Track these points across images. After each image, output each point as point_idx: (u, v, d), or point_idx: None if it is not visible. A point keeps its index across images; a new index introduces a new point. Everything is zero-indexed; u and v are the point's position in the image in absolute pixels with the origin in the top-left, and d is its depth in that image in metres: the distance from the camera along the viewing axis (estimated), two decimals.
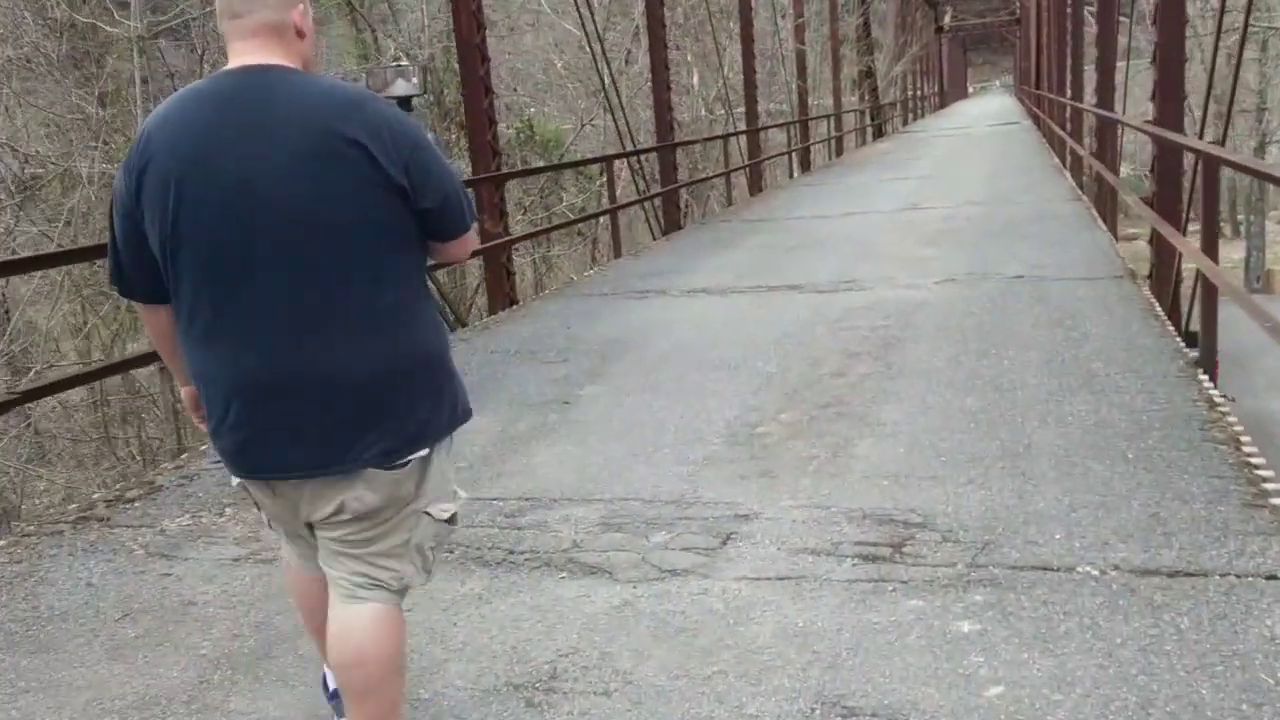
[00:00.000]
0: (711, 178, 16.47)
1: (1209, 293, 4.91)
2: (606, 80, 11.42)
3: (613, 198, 10.54)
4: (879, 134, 33.47)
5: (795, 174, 21.19)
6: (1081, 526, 3.19)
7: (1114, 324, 5.87)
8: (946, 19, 62.93)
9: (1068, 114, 17.44)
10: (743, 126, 17.55)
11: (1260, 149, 31.04)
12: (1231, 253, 37.07)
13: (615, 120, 11.72)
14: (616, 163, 13.14)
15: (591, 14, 11.20)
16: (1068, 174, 15.17)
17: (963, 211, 11.66)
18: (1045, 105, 25.36)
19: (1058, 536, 3.12)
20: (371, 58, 15.13)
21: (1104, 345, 5.41)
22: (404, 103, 2.90)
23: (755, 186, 17.33)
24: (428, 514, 2.13)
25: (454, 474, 2.26)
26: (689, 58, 24.06)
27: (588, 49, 13.38)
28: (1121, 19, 14.27)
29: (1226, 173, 7.73)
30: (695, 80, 25.02)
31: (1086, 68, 16.94)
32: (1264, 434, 8.60)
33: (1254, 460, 3.67)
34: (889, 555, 3.09)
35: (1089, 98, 14.48)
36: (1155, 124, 7.24)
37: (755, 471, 3.93)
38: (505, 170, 9.26)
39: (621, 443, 4.37)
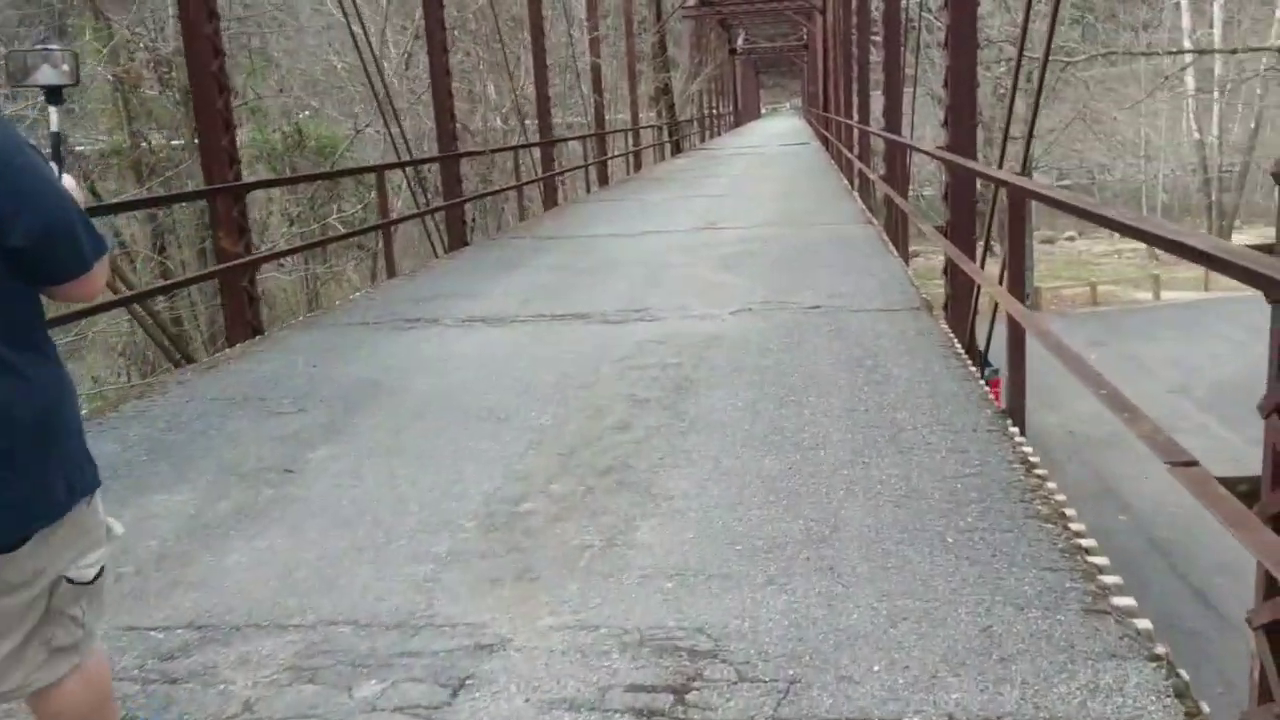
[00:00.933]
0: (498, 191, 15.65)
1: (1016, 337, 4.50)
2: (378, 84, 10.42)
3: (384, 211, 9.56)
4: (677, 150, 33.52)
5: (593, 189, 20.64)
6: (904, 650, 2.57)
7: (916, 364, 5.44)
8: (739, 41, 64.42)
9: (855, 136, 17.64)
10: (537, 138, 16.84)
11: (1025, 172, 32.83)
12: (996, 268, 39.28)
13: (388, 126, 10.73)
14: (399, 173, 12.16)
15: (358, 12, 10.19)
16: (857, 196, 15.21)
17: (758, 232, 11.31)
18: (833, 127, 25.90)
19: (876, 669, 2.49)
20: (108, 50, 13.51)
21: (908, 390, 4.94)
22: (52, 94, 2.08)
23: (550, 201, 16.63)
24: (67, 579, 1.86)
25: (99, 517, 1.95)
26: (481, 65, 23.21)
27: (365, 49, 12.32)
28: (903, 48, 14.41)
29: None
30: (491, 90, 24.16)
31: (874, 93, 17.16)
32: (1044, 450, 8.61)
33: (1084, 543, 3.19)
34: (669, 707, 2.37)
35: (876, 122, 14.55)
36: (948, 149, 6.99)
37: (511, 572, 3.15)
38: (251, 179, 8.13)
39: (346, 532, 3.50)
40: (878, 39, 19.13)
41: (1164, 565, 11.41)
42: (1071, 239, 47.91)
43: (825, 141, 30.33)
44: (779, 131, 50.26)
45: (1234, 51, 33.25)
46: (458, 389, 5.46)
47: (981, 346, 7.00)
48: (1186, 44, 35.60)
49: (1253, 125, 40.38)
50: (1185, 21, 38.89)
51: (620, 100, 28.96)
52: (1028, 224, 34.12)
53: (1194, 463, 2.59)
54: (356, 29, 9.94)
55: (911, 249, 9.93)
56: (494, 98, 23.90)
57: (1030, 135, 6.17)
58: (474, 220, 15.23)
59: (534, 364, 5.92)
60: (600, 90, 20.99)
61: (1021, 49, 8.63)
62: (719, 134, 51.77)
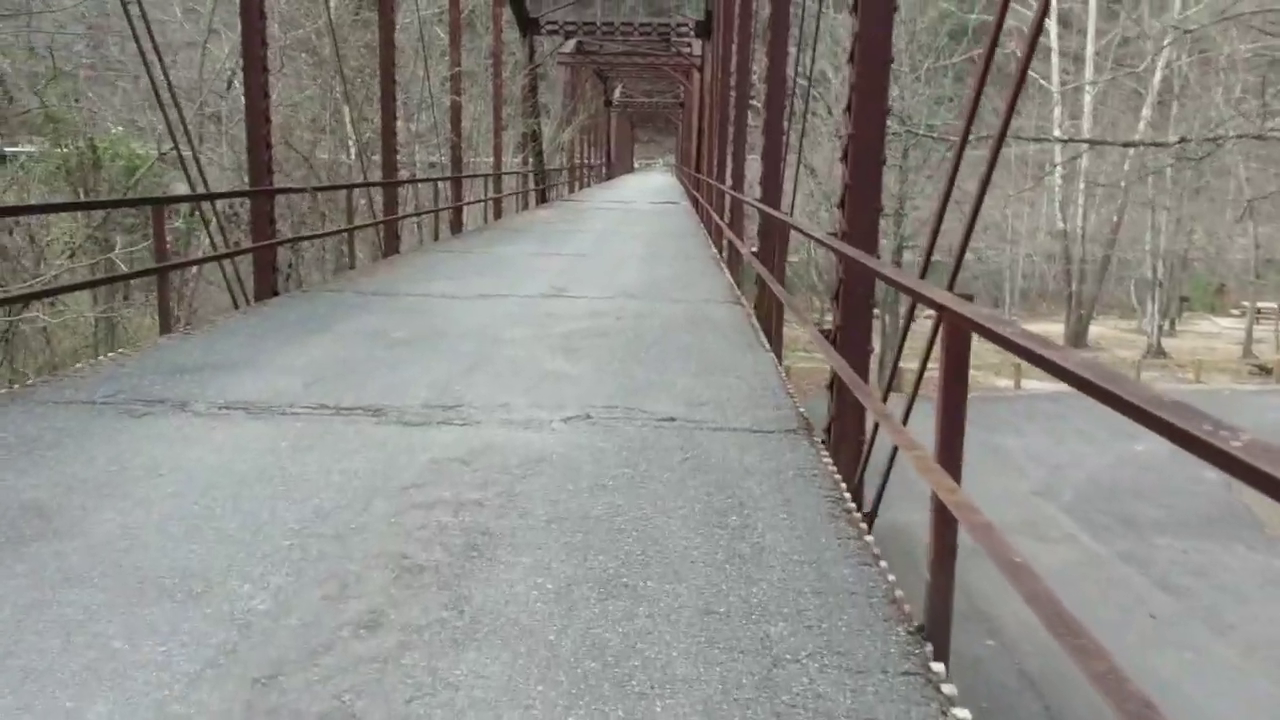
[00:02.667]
0: (317, 236, 13.85)
1: (942, 551, 3.18)
2: (172, 113, 8.69)
3: (160, 253, 7.78)
4: (542, 199, 32.19)
5: (443, 235, 19.04)
6: None
7: (796, 530, 4.09)
8: (616, 93, 64.00)
9: (728, 203, 16.64)
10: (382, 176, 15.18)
11: (898, 252, 32.81)
12: (877, 345, 39.23)
13: (178, 149, 8.98)
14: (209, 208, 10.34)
15: (144, 14, 8.43)
16: (725, 268, 14.08)
17: (614, 305, 9.96)
18: (704, 189, 25.03)
19: None
20: None
21: (786, 580, 3.58)
22: None
23: (389, 248, 14.95)
24: None
25: None
26: (336, 93, 21.41)
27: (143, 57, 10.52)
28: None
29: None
30: (347, 121, 22.35)
31: (750, 157, 16.19)
32: (902, 549, 7.43)
33: None
34: None
35: (751, 189, 13.48)
36: (844, 237, 5.77)
37: None
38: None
39: None
40: (755, 103, 18.31)
41: (1038, 708, 10.42)
42: (930, 317, 48.58)
43: (696, 203, 29.52)
44: (650, 187, 49.60)
45: (1098, 144, 34.12)
46: (153, 531, 3.84)
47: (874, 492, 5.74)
48: (1056, 133, 36.41)
49: (1114, 218, 41.68)
50: (1055, 113, 39.98)
51: (486, 142, 27.51)
52: (895, 303, 33.84)
53: None
54: (142, 29, 8.18)
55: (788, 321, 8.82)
56: (348, 128, 22.11)
57: (938, 223, 4.98)
58: (290, 267, 13.47)
59: (282, 489, 4.34)
60: (458, 130, 19.48)
61: (967, 130, 7.62)
62: (588, 185, 50.80)
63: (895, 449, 5.13)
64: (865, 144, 5.63)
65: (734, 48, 18.94)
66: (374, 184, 14.36)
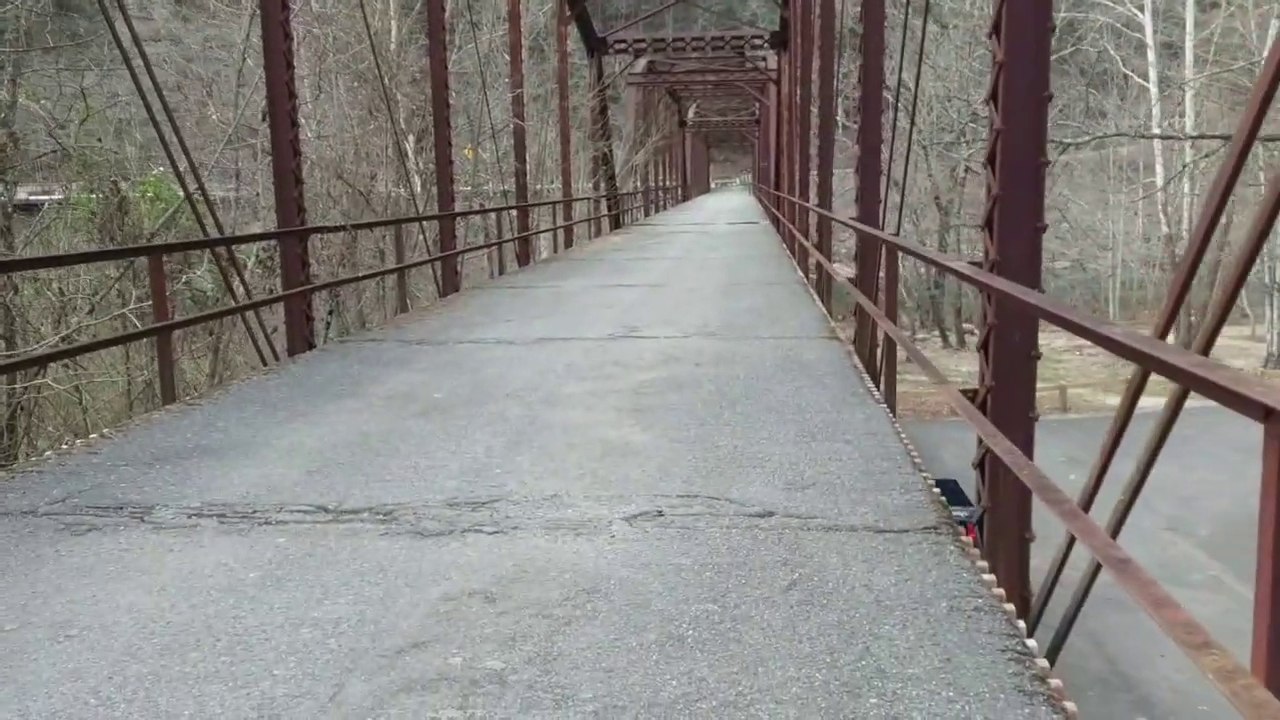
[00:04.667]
0: (356, 279, 12.73)
1: None
2: (166, 128, 7.63)
3: (160, 310, 6.66)
4: (616, 224, 31.07)
5: (509, 268, 17.94)
6: None
7: (959, 700, 2.70)
8: (690, 113, 62.95)
9: (812, 221, 15.23)
10: (451, 205, 14.10)
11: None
12: (960, 364, 37.24)
13: (183, 185, 7.91)
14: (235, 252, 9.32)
15: (136, 41, 7.36)
16: (814, 294, 12.64)
17: (691, 347, 8.63)
18: (785, 207, 23.62)
19: None
20: None
21: None
22: None
23: (448, 285, 13.85)
24: None
25: None
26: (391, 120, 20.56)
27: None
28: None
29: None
30: (410, 151, 21.49)
31: (843, 171, 14.76)
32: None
33: None
34: None
35: (843, 206, 12.05)
36: (994, 269, 4.33)
37: None
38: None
39: None
40: (841, 118, 16.91)
41: None
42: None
43: (776, 222, 28.09)
44: (728, 208, 48.27)
45: (1198, 138, 31.74)
46: None
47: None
48: (1156, 131, 34.11)
49: (1224, 219, 38.98)
50: (1155, 111, 37.59)
51: (558, 168, 26.48)
52: None
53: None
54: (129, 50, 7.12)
55: (907, 378, 7.35)
56: (410, 159, 21.20)
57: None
58: (331, 314, 12.45)
59: (224, 663, 3.08)
60: (523, 156, 18.39)
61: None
62: (664, 208, 49.70)
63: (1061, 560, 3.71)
64: (1019, 141, 4.22)
65: (815, 57, 17.56)
66: (421, 218, 13.29)
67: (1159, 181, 38.57)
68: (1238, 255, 3.33)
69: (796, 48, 21.49)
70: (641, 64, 36.62)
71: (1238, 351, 41.91)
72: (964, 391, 4.32)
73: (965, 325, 46.39)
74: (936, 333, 45.61)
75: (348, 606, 3.47)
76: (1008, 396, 4.45)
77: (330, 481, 4.93)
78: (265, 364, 8.86)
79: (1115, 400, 29.80)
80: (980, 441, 4.71)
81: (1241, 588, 15.33)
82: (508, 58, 21.77)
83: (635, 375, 7.50)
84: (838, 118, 15.87)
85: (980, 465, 4.67)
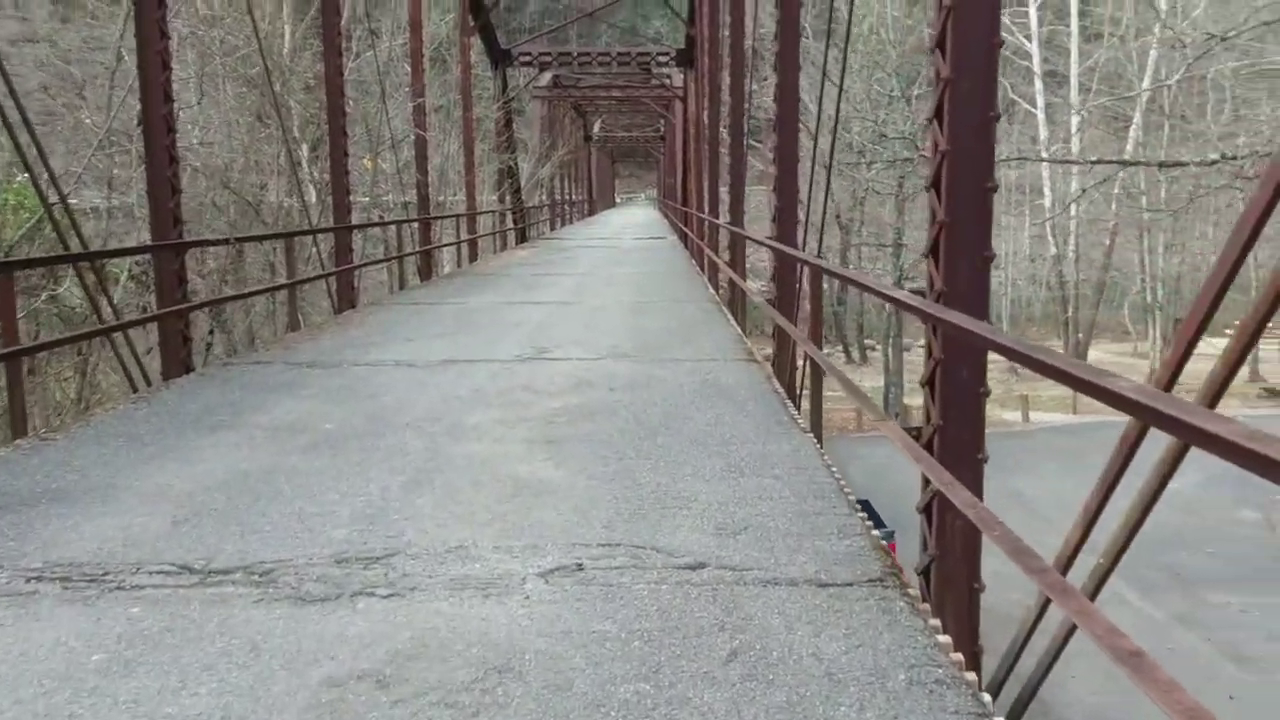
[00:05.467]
0: (240, 297, 11.91)
1: None
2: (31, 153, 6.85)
3: (8, 334, 5.91)
4: (522, 238, 30.47)
5: (411, 283, 17.25)
6: None
7: None
8: (596, 128, 62.66)
9: (723, 240, 14.93)
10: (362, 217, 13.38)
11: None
12: (866, 380, 37.50)
13: (41, 196, 7.13)
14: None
15: None
16: (728, 315, 12.30)
17: (604, 370, 8.17)
18: (694, 224, 23.37)
19: None
20: None
21: None
22: None
23: (345, 300, 13.14)
24: None
25: None
26: (282, 128, 19.66)
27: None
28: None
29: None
30: (304, 160, 20.59)
31: (751, 188, 14.49)
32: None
33: None
34: None
35: (756, 224, 11.73)
36: (941, 299, 3.96)
37: None
38: None
39: None
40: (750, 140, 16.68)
41: None
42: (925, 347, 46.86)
43: (684, 238, 27.86)
44: (634, 223, 48.02)
45: (1084, 163, 32.61)
46: None
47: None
48: (1044, 155, 34.93)
49: (1107, 241, 40.21)
50: (1042, 134, 38.56)
51: (462, 180, 25.76)
52: (897, 335, 32.30)
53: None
54: None
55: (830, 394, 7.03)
56: (305, 168, 20.28)
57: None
58: (212, 334, 11.65)
59: None
60: (424, 168, 17.73)
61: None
62: (570, 222, 49.23)
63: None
64: (966, 163, 3.87)
65: (725, 75, 17.34)
66: (314, 230, 12.56)
67: (1047, 204, 39.60)
68: (1256, 300, 3.04)
69: (703, 66, 21.28)
70: (546, 77, 36.15)
71: (1126, 368, 43.25)
72: (910, 430, 3.94)
73: (867, 341, 46.96)
74: (840, 348, 46.05)
75: (209, 699, 2.90)
76: (955, 436, 4.10)
77: (199, 533, 4.32)
78: (135, 390, 8.10)
79: (1012, 415, 30.30)
80: (926, 484, 4.34)
81: (1142, 604, 15.49)
82: (408, 67, 21.07)
83: (546, 402, 7.00)
84: (745, 136, 15.61)
85: (927, 510, 4.30)
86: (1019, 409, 29.73)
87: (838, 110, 9.36)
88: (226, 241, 10.29)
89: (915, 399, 30.93)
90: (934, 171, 4.04)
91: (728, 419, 6.45)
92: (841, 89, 7.62)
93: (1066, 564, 3.89)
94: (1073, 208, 35.47)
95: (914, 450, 3.63)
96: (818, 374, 6.20)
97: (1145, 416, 1.84)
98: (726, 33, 14.89)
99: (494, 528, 4.35)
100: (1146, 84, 33.90)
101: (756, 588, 3.66)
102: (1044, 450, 24.70)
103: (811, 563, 3.89)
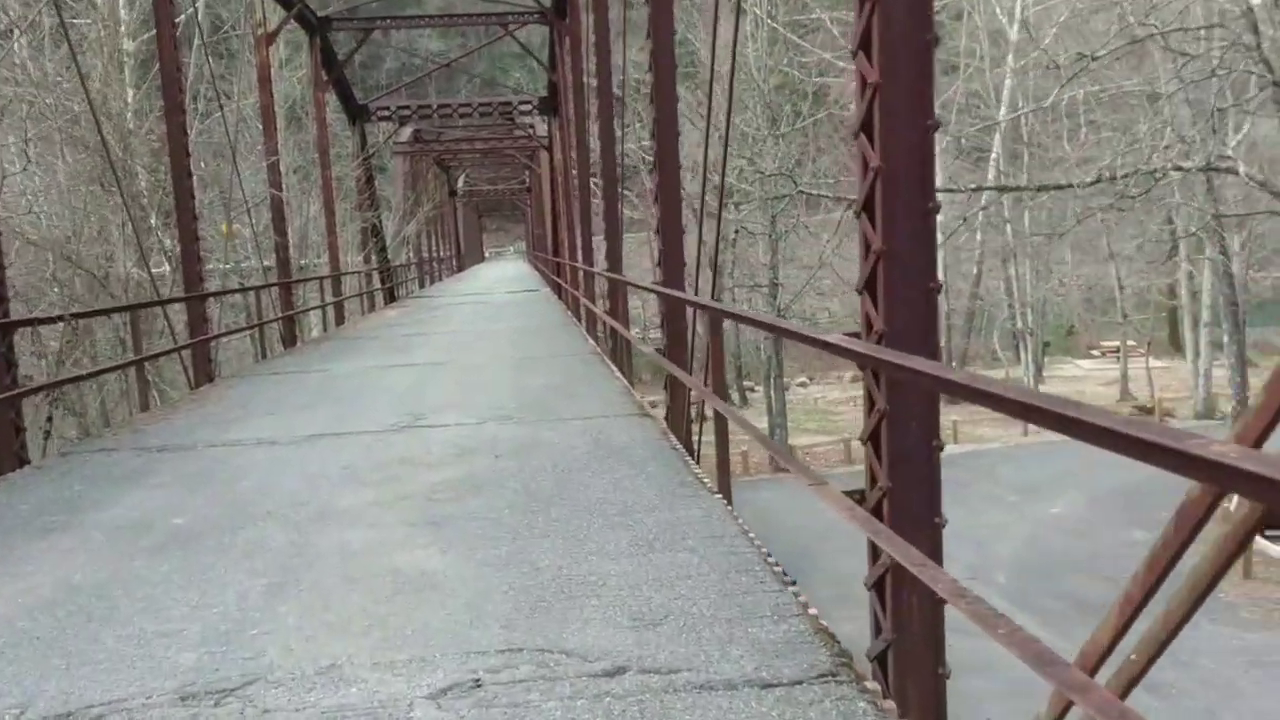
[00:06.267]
0: (91, 375, 10.84)
1: None
2: None
3: None
4: (391, 298, 29.51)
5: (275, 351, 16.28)
6: None
7: None
8: (460, 182, 61.98)
9: (600, 288, 14.52)
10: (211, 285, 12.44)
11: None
12: (757, 418, 37.51)
13: None
14: None
15: None
16: (612, 366, 11.85)
17: (487, 435, 7.58)
18: (566, 274, 22.95)
19: None
20: None
21: None
22: None
23: (201, 374, 12.18)
24: None
25: None
26: (120, 192, 18.48)
27: None
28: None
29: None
30: (156, 223, 19.35)
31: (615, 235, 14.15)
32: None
33: None
34: None
35: (636, 269, 11.33)
36: (881, 340, 3.55)
37: None
38: None
39: None
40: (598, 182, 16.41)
41: None
42: (804, 385, 47.39)
43: (557, 289, 27.40)
44: (505, 276, 47.37)
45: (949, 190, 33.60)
46: None
47: None
48: None
49: (974, 270, 41.45)
50: None
51: (326, 242, 24.75)
52: (778, 375, 32.29)
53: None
54: None
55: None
56: (157, 236, 19.04)
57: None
58: (50, 421, 10.60)
59: None
60: (282, 229, 16.84)
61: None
62: (440, 279, 48.27)
63: None
64: (903, 181, 3.47)
65: (593, 119, 17.07)
66: (162, 301, 11.61)
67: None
68: None
69: (568, 112, 21.00)
70: (407, 132, 35.43)
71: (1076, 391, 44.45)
72: (852, 495, 3.51)
73: (746, 383, 47.19)
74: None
75: None
76: (907, 498, 3.67)
77: (14, 671, 3.58)
78: None
79: (992, 431, 30.38)
80: (875, 557, 3.90)
81: (1046, 635, 15.49)
82: (261, 125, 20.15)
83: (426, 475, 6.37)
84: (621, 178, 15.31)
85: (878, 585, 3.85)
86: None
87: (705, 152, 9.03)
88: (61, 319, 9.27)
89: (800, 438, 30.94)
90: (864, 194, 3.63)
91: (626, 483, 5.95)
92: (729, 127, 7.26)
93: (1098, 662, 3.45)
94: (940, 237, 36.39)
95: (862, 519, 3.19)
96: (723, 429, 5.77)
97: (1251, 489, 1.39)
98: (592, 79, 14.59)
99: (372, 637, 3.74)
100: (1003, 113, 35.17)
101: (689, 695, 3.15)
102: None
103: (749, 657, 3.39)
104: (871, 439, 3.79)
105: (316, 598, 4.19)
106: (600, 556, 4.55)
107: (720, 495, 5.65)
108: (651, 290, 9.66)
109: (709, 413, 6.68)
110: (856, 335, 3.77)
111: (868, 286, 3.64)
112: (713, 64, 9.19)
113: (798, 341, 3.84)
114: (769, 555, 4.48)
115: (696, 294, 8.76)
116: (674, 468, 6.34)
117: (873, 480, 3.74)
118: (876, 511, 3.52)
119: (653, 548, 4.66)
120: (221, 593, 4.32)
